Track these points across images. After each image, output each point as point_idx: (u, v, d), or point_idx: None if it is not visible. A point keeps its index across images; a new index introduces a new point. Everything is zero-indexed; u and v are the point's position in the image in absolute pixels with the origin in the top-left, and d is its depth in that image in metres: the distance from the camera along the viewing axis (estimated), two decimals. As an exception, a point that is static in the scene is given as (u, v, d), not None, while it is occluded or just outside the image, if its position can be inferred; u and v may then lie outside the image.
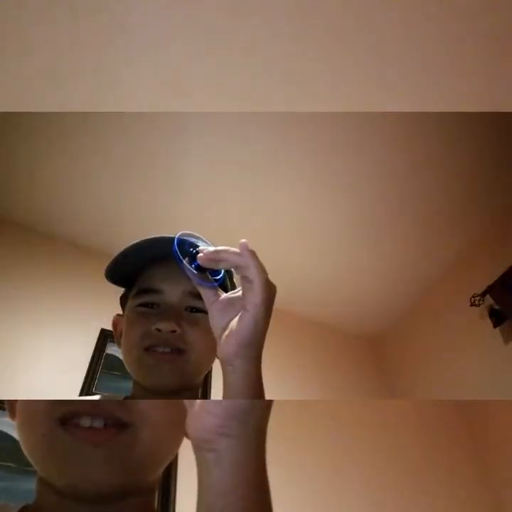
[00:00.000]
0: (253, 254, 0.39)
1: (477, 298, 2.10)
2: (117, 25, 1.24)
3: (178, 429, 0.41)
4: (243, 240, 0.39)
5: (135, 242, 0.55)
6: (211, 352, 0.53)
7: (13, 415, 0.42)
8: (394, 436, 2.13)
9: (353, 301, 2.66)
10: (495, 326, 2.00)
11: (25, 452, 0.39)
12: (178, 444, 0.43)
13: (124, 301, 0.60)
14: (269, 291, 0.39)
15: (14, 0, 1.17)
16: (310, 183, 2.06)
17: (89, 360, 1.77)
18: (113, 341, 1.98)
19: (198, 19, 1.24)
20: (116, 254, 0.55)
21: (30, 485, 1.24)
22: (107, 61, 1.31)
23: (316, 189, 2.08)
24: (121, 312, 0.61)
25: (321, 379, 2.42)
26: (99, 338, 1.85)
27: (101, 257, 2.18)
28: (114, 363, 1.80)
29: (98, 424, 0.36)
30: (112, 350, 1.84)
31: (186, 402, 0.35)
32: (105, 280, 0.57)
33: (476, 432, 2.31)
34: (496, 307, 2.01)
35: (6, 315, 1.75)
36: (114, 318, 0.61)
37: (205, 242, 0.55)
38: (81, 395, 1.62)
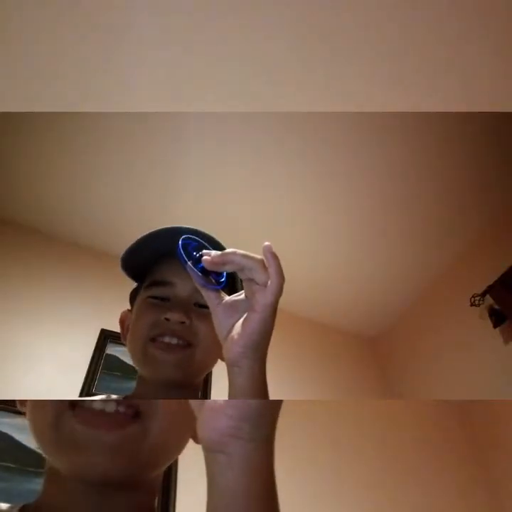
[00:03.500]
0: (276, 256, 0.40)
1: (477, 298, 2.10)
2: (118, 25, 1.24)
3: (185, 428, 0.42)
4: (267, 243, 0.40)
5: (148, 232, 0.56)
6: (217, 349, 0.53)
7: (22, 405, 0.42)
8: (394, 436, 2.13)
9: (353, 301, 2.66)
10: (495, 326, 2.00)
11: (34, 438, 0.39)
12: (184, 443, 0.43)
13: (134, 295, 0.60)
14: (280, 294, 0.40)
15: (15, 0, 1.17)
16: (310, 184, 2.06)
17: (89, 360, 1.77)
18: (113, 341, 1.98)
19: (198, 19, 1.24)
20: (130, 244, 0.57)
21: (30, 485, 1.24)
22: (107, 61, 1.31)
23: (316, 189, 2.08)
24: (125, 309, 0.61)
25: (321, 379, 2.42)
26: (99, 338, 1.85)
27: (101, 258, 2.20)
28: (114, 363, 1.80)
29: (110, 408, 0.37)
30: (112, 350, 1.84)
31: (196, 402, 0.35)
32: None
33: (476, 432, 2.31)
34: (496, 307, 2.01)
35: (6, 315, 1.75)
36: (122, 313, 0.62)
37: (211, 238, 0.56)
38: (81, 395, 1.62)
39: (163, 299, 0.55)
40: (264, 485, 0.32)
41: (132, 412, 0.37)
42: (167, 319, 0.52)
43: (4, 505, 0.41)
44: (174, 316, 0.52)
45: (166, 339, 0.52)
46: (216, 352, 0.55)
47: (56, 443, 0.37)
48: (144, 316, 0.54)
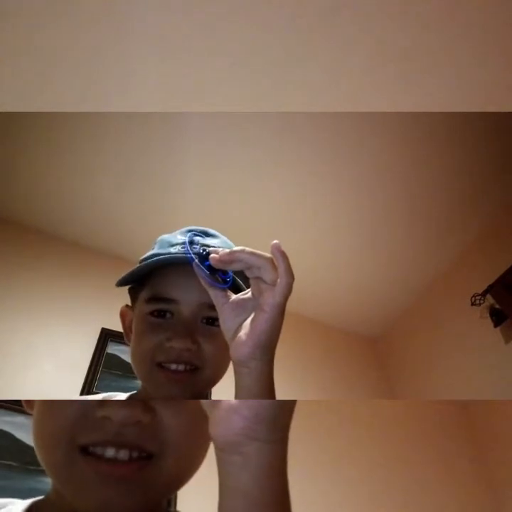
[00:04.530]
0: (285, 255, 0.39)
1: (478, 297, 2.10)
2: (117, 25, 1.24)
3: (203, 448, 0.41)
4: (275, 241, 0.39)
5: (150, 261, 0.51)
6: (225, 366, 0.52)
7: (30, 409, 0.41)
8: (394, 436, 2.13)
9: (353, 301, 2.66)
10: (495, 326, 2.00)
11: (43, 466, 0.38)
12: (202, 460, 0.42)
13: (133, 293, 0.57)
14: (290, 293, 0.39)
15: (15, 0, 1.17)
16: (310, 184, 2.06)
17: (89, 359, 1.77)
18: (114, 340, 1.98)
19: (197, 19, 1.24)
20: (130, 270, 0.52)
21: (32, 483, 1.24)
22: (107, 61, 1.31)
23: (316, 190, 2.08)
24: (124, 304, 0.60)
25: (321, 379, 2.42)
26: (99, 338, 1.85)
27: (101, 257, 2.20)
28: (114, 362, 1.80)
29: (123, 455, 0.35)
30: (113, 349, 1.84)
31: (208, 402, 0.34)
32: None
33: (476, 432, 2.31)
34: (497, 307, 2.01)
35: (6, 314, 1.75)
36: (121, 308, 0.59)
37: (218, 235, 0.55)
38: (81, 395, 1.62)
39: (165, 313, 0.51)
40: (278, 486, 0.32)
41: (145, 451, 0.36)
42: (172, 347, 0.49)
43: (11, 502, 0.40)
44: (179, 344, 0.48)
45: (173, 366, 0.49)
46: (224, 368, 0.53)
47: (66, 483, 0.36)
48: (147, 337, 0.50)
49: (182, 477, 0.39)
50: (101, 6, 1.20)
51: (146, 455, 0.36)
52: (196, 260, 0.43)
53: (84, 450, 0.35)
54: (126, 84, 1.36)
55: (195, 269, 0.43)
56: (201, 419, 0.35)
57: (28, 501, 0.41)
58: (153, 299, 0.52)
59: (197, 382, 0.50)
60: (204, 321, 0.51)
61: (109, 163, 1.94)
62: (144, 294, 0.53)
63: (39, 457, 0.38)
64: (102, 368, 1.76)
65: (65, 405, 0.36)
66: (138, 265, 0.52)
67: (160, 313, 0.51)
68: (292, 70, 1.35)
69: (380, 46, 1.31)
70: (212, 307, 0.44)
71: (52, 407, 0.36)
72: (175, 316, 0.51)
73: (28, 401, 0.41)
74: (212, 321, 0.51)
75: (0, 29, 1.21)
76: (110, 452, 0.34)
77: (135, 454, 0.35)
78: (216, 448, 0.32)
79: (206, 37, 1.28)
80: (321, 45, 1.31)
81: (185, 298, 0.51)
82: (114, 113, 1.69)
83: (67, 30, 1.24)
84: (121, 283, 0.54)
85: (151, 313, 0.51)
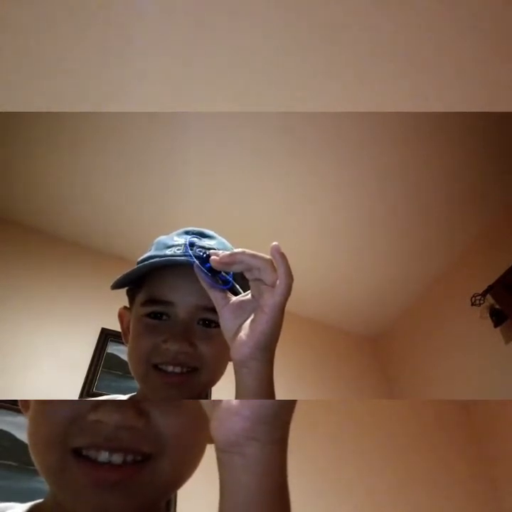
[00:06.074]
0: (284, 256, 0.40)
1: (478, 297, 2.10)
2: (117, 25, 1.24)
3: (200, 449, 0.40)
4: (275, 243, 0.40)
5: (147, 263, 0.51)
6: (223, 367, 0.52)
7: (25, 409, 0.40)
8: (394, 437, 2.13)
9: (353, 301, 2.66)
10: (495, 326, 2.00)
11: (38, 468, 0.37)
12: (199, 461, 0.41)
13: (130, 295, 0.56)
14: (289, 294, 0.39)
15: (15, 1, 1.17)
16: (310, 184, 2.06)
17: (89, 359, 1.77)
18: (114, 340, 1.98)
19: (197, 19, 1.25)
20: (124, 273, 0.52)
21: (32, 484, 1.24)
22: (107, 61, 1.31)
23: (316, 190, 2.08)
24: (123, 305, 0.59)
25: (321, 379, 2.42)
26: (99, 338, 1.85)
27: (101, 257, 2.20)
28: (114, 362, 1.80)
29: (117, 459, 0.34)
30: (113, 349, 1.84)
31: (209, 402, 0.34)
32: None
33: (476, 432, 2.31)
34: (497, 307, 2.01)
35: (6, 314, 1.75)
36: (119, 310, 0.59)
37: (215, 236, 0.55)
38: (82, 395, 1.62)
39: (161, 315, 0.50)
40: (277, 486, 0.32)
41: (141, 454, 0.35)
42: (168, 349, 0.48)
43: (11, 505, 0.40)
44: (175, 346, 0.48)
45: (169, 368, 0.48)
46: (222, 369, 0.53)
47: (59, 487, 0.36)
48: (143, 339, 0.50)
49: (178, 479, 0.39)
50: (101, 6, 1.20)
51: (141, 458, 0.36)
52: (197, 262, 0.43)
53: (78, 453, 0.35)
54: (126, 84, 1.36)
55: (197, 271, 0.43)
56: (196, 420, 0.35)
57: (27, 505, 0.40)
58: (150, 301, 0.51)
59: (194, 384, 0.50)
60: (201, 322, 0.51)
61: (109, 163, 1.94)
62: (140, 296, 0.53)
63: (33, 459, 0.37)
64: (101, 368, 1.76)
65: (59, 406, 0.35)
66: (132, 268, 0.52)
67: (156, 315, 0.51)
68: (292, 70, 1.35)
69: (380, 46, 1.31)
70: (208, 309, 0.43)
71: (45, 407, 0.36)
72: (171, 318, 0.50)
73: (24, 401, 0.41)
74: (209, 322, 0.51)
75: (1, 30, 1.21)
76: (104, 456, 0.34)
77: (129, 458, 0.35)
78: (216, 448, 0.32)
79: (206, 37, 1.28)
80: (320, 45, 1.31)
81: (181, 300, 0.50)
82: (114, 113, 1.69)
83: (67, 31, 1.24)
84: (115, 286, 0.54)
85: (148, 315, 0.51)
